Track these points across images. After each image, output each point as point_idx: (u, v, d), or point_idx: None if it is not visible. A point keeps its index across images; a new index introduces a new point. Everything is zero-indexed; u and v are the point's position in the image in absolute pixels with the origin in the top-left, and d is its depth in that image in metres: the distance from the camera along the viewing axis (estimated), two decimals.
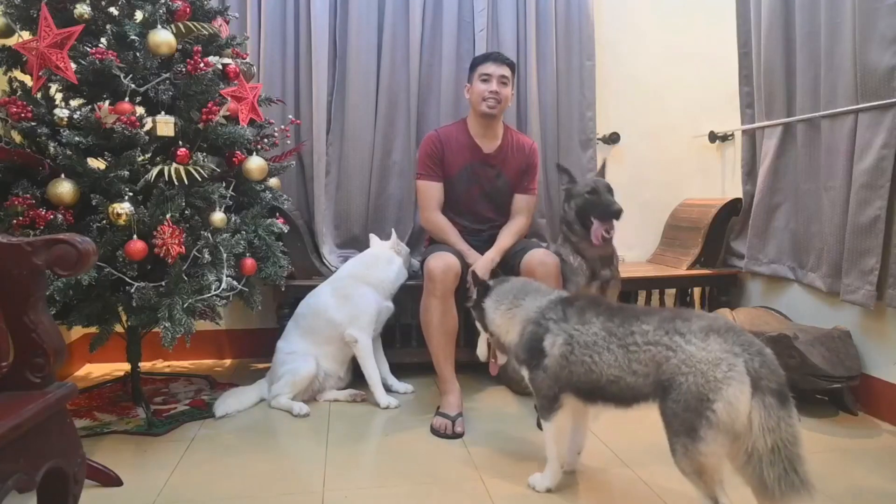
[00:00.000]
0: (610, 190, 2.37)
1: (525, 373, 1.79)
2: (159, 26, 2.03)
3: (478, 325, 1.94)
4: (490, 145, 2.63)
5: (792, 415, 1.38)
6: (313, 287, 2.60)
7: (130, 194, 1.92)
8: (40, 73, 1.91)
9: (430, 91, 3.12)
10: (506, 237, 2.54)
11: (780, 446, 1.34)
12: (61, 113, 1.91)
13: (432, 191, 2.59)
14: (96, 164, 1.97)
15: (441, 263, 2.30)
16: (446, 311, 2.30)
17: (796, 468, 1.34)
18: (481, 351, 1.97)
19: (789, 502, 1.33)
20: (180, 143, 2.06)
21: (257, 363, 2.99)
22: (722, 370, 1.39)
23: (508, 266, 2.47)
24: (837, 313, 2.46)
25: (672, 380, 1.44)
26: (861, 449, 2.03)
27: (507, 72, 2.55)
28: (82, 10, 1.98)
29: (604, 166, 2.61)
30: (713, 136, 3.38)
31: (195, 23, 2.13)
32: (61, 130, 1.89)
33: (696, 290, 3.11)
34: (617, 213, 2.29)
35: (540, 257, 2.36)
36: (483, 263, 2.41)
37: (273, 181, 2.54)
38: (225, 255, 2.08)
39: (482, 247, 2.54)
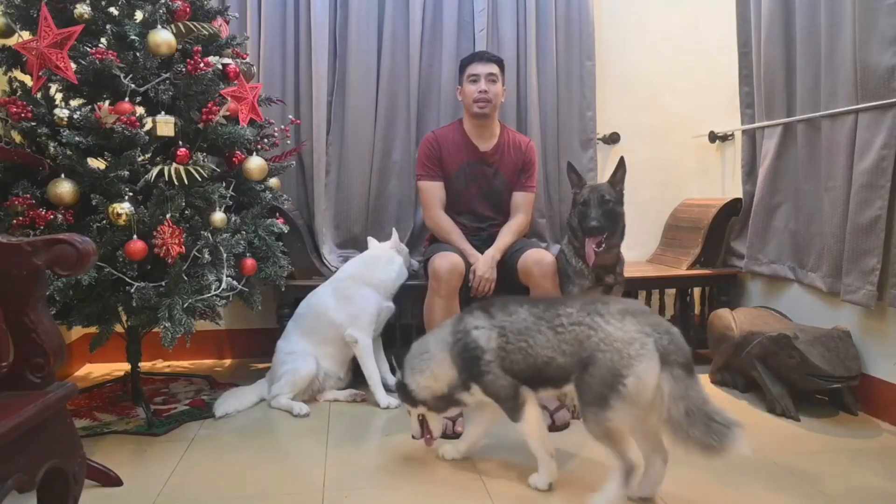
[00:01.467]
0: (604, 202, 2.27)
1: (478, 392, 1.81)
2: (159, 26, 2.03)
3: (407, 407, 1.94)
4: (486, 144, 2.63)
5: (697, 381, 1.57)
6: (313, 287, 2.60)
7: (130, 194, 1.92)
8: (40, 73, 1.91)
9: (429, 91, 3.12)
10: (505, 235, 2.55)
11: (692, 409, 1.51)
12: (61, 113, 1.91)
13: (434, 190, 2.60)
14: (96, 164, 1.97)
15: (447, 263, 2.30)
16: (450, 311, 2.30)
17: (714, 419, 1.49)
18: (415, 429, 1.95)
19: (727, 446, 1.46)
20: (180, 143, 2.06)
21: (257, 363, 2.98)
22: (635, 348, 1.56)
23: (506, 265, 2.47)
24: (837, 313, 2.46)
25: (592, 356, 1.60)
26: (861, 449, 2.03)
27: (494, 69, 2.56)
28: (82, 10, 1.98)
29: (618, 165, 2.36)
30: (713, 136, 3.38)
31: (195, 23, 2.13)
32: (61, 130, 1.89)
33: (696, 290, 3.11)
34: (591, 230, 2.24)
35: (537, 257, 2.36)
36: (484, 262, 2.41)
37: (273, 181, 2.54)
38: (225, 255, 2.09)
39: (482, 246, 2.54)
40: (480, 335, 1.77)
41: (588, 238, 2.28)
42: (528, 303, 1.80)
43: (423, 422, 1.93)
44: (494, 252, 2.47)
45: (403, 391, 1.91)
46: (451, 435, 2.13)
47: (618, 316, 1.63)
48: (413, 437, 1.97)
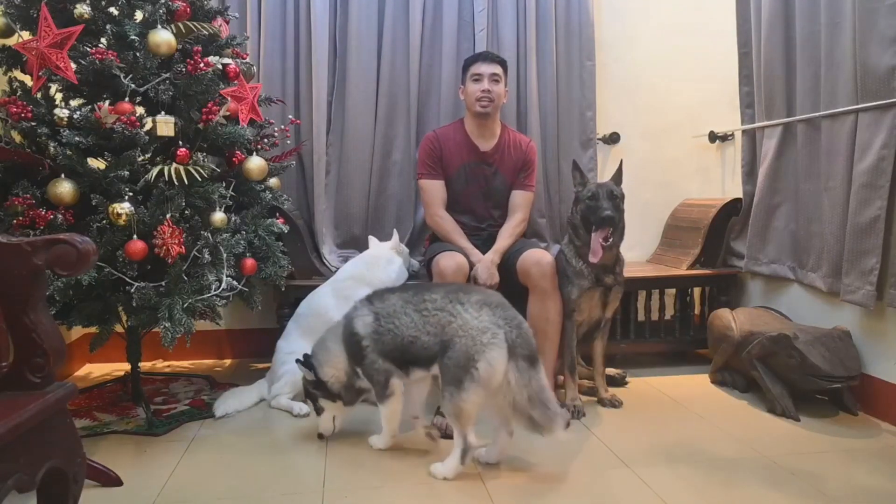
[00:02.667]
0: (612, 196, 2.32)
1: (361, 373, 1.98)
2: (159, 26, 2.03)
3: (324, 403, 2.05)
4: (487, 144, 2.64)
5: (539, 372, 1.81)
6: (313, 287, 2.60)
7: (130, 194, 1.92)
8: (40, 73, 1.91)
9: (430, 91, 3.12)
10: (504, 238, 2.55)
11: (532, 396, 1.76)
12: (61, 113, 1.91)
13: (435, 188, 2.61)
14: (96, 164, 1.97)
15: (453, 263, 2.31)
16: None
17: (549, 406, 1.78)
18: (327, 427, 2.07)
19: (553, 425, 1.76)
20: (180, 143, 2.06)
21: (257, 363, 2.98)
22: (487, 337, 1.76)
23: (506, 266, 2.47)
24: (837, 313, 2.46)
25: (451, 340, 1.80)
26: (861, 449, 2.03)
27: (498, 70, 2.57)
28: (82, 10, 1.98)
29: (620, 167, 2.45)
30: (713, 136, 3.38)
31: (195, 23, 2.13)
32: (61, 130, 1.89)
33: (696, 290, 3.11)
34: (604, 220, 2.26)
35: (535, 257, 2.37)
36: (484, 268, 2.41)
37: (273, 181, 2.54)
38: (225, 255, 2.08)
39: (482, 246, 2.54)
40: (357, 322, 1.95)
41: (597, 231, 2.28)
42: (399, 290, 2.01)
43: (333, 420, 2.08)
44: (493, 256, 2.47)
45: (321, 387, 2.02)
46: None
47: (476, 306, 1.83)
48: (320, 435, 2.09)
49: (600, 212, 2.27)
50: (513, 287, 2.44)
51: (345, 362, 1.99)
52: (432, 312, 1.86)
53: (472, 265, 2.42)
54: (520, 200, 2.66)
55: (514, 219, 2.63)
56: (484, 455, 1.92)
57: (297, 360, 2.07)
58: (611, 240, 2.29)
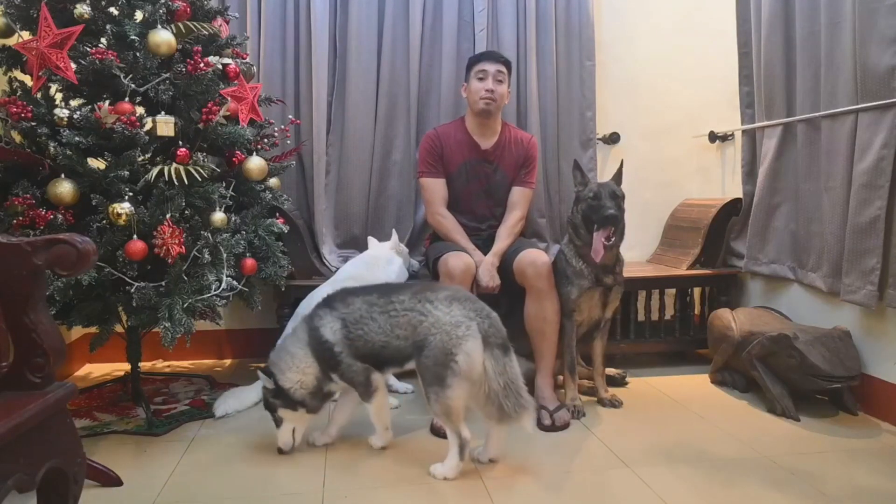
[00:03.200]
0: (614, 195, 2.32)
1: (338, 379, 1.95)
2: (159, 26, 2.03)
3: (283, 413, 1.97)
4: (488, 142, 2.64)
5: (512, 359, 1.84)
6: (313, 287, 2.59)
7: (130, 194, 1.91)
8: (40, 73, 1.91)
9: (430, 91, 3.12)
10: (502, 239, 2.55)
11: (508, 384, 1.79)
12: (61, 113, 1.91)
13: (436, 187, 2.61)
14: (96, 164, 1.97)
15: (461, 263, 2.31)
16: None
17: (521, 395, 1.80)
18: (286, 440, 1.99)
19: (521, 416, 1.78)
20: (180, 143, 2.06)
21: (257, 363, 2.98)
22: (462, 330, 1.79)
23: (503, 267, 2.46)
24: (837, 313, 2.46)
25: (425, 339, 1.81)
26: (861, 449, 2.03)
27: (502, 69, 2.57)
28: (82, 10, 1.98)
29: (620, 168, 2.44)
30: (713, 136, 3.38)
31: (195, 23, 2.12)
32: (61, 130, 1.89)
33: (696, 290, 3.11)
34: (607, 219, 2.25)
35: (530, 258, 2.36)
36: (484, 271, 2.41)
37: (273, 181, 2.54)
38: (225, 255, 2.08)
39: (483, 245, 2.54)
40: (326, 330, 1.91)
41: (599, 231, 2.27)
42: (363, 293, 1.96)
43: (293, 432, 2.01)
44: (493, 259, 2.46)
45: (281, 395, 1.94)
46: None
47: (445, 302, 1.84)
48: (280, 450, 1.99)
49: (603, 211, 2.27)
50: (512, 287, 2.44)
51: (315, 368, 1.94)
52: (401, 313, 1.86)
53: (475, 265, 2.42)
54: (519, 197, 2.65)
55: (512, 217, 2.62)
56: (481, 453, 1.94)
57: (258, 369, 2.00)
58: (613, 239, 2.29)
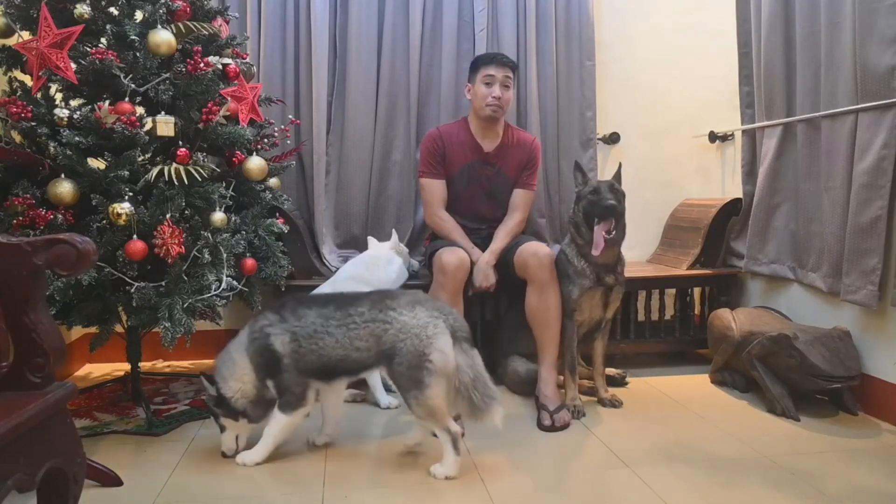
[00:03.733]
0: (614, 189, 2.33)
1: (272, 386, 1.90)
2: (159, 26, 2.03)
3: (226, 421, 1.95)
4: (490, 144, 2.64)
5: (476, 353, 1.86)
6: (313, 287, 2.59)
7: (130, 194, 1.91)
8: (40, 73, 1.91)
9: (430, 91, 3.12)
10: (500, 238, 2.55)
11: (475, 376, 1.80)
12: (61, 113, 1.91)
13: (436, 188, 2.60)
14: (96, 164, 1.97)
15: (455, 258, 2.31)
16: (455, 307, 2.30)
17: (489, 386, 1.82)
18: (229, 446, 1.97)
19: (490, 409, 1.79)
20: (180, 143, 2.06)
21: None
22: (431, 329, 1.79)
23: (503, 262, 2.46)
24: (837, 313, 2.46)
25: (393, 347, 1.80)
26: (861, 449, 2.03)
27: (510, 74, 2.56)
28: (82, 10, 1.98)
29: (619, 170, 2.45)
30: (713, 136, 3.38)
31: (195, 23, 2.12)
32: (61, 130, 1.89)
33: (696, 290, 3.11)
34: (607, 209, 2.26)
35: (532, 249, 2.36)
36: (480, 268, 2.41)
37: (273, 181, 2.54)
38: (225, 255, 2.08)
39: (482, 245, 2.55)
40: (275, 340, 1.86)
41: (600, 223, 2.27)
42: (317, 304, 1.91)
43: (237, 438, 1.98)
44: (490, 257, 2.47)
45: (223, 404, 1.92)
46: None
47: (408, 306, 1.83)
48: (224, 454, 1.97)
49: (603, 202, 2.27)
50: (512, 282, 2.44)
51: (251, 375, 1.89)
52: (361, 325, 1.83)
53: (472, 264, 2.42)
54: (520, 199, 2.65)
55: (512, 218, 2.62)
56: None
57: (202, 375, 1.97)
58: (613, 232, 2.29)
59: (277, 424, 1.91)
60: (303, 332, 1.85)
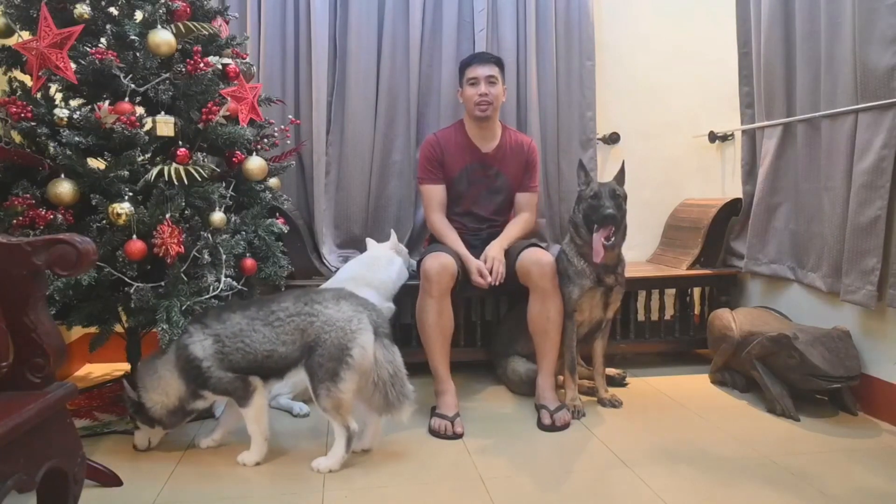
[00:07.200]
0: (615, 195, 2.31)
1: (210, 395, 1.94)
2: (159, 26, 2.02)
3: (144, 427, 1.99)
4: (488, 145, 2.64)
5: (396, 350, 1.92)
6: (313, 287, 2.59)
7: (130, 194, 1.91)
8: (40, 73, 1.91)
9: (429, 91, 3.12)
10: (513, 228, 2.58)
11: (394, 372, 1.87)
12: (61, 113, 1.91)
13: (434, 193, 2.61)
14: (96, 164, 1.97)
15: (436, 264, 2.30)
16: (442, 311, 2.30)
17: (405, 384, 1.90)
18: (142, 443, 2.02)
19: (403, 406, 1.87)
20: (180, 143, 2.06)
21: None
22: (354, 323, 1.84)
23: (506, 264, 2.46)
24: (837, 313, 2.46)
25: (317, 339, 1.84)
26: (861, 449, 2.03)
27: (494, 70, 2.55)
28: (82, 10, 1.98)
29: (622, 168, 2.42)
30: (713, 136, 3.38)
31: (195, 23, 2.12)
32: (61, 130, 1.89)
33: (696, 290, 3.11)
34: (605, 219, 2.25)
35: (534, 257, 2.36)
36: (495, 249, 2.45)
37: (273, 181, 2.53)
38: (225, 256, 2.08)
39: (482, 246, 2.54)
40: (195, 347, 1.89)
41: (599, 230, 2.27)
42: (240, 308, 1.95)
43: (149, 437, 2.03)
44: (502, 241, 2.50)
45: (141, 412, 1.95)
46: (451, 436, 2.13)
47: (333, 301, 1.89)
48: (136, 447, 2.02)
49: (602, 210, 2.27)
50: (513, 286, 2.44)
51: (180, 388, 1.92)
52: (286, 321, 1.87)
53: (463, 268, 2.43)
54: (525, 202, 2.68)
55: (521, 216, 2.66)
56: (358, 445, 1.97)
57: (124, 378, 2.00)
58: (612, 239, 2.29)
59: (248, 419, 1.94)
60: (227, 333, 1.89)
